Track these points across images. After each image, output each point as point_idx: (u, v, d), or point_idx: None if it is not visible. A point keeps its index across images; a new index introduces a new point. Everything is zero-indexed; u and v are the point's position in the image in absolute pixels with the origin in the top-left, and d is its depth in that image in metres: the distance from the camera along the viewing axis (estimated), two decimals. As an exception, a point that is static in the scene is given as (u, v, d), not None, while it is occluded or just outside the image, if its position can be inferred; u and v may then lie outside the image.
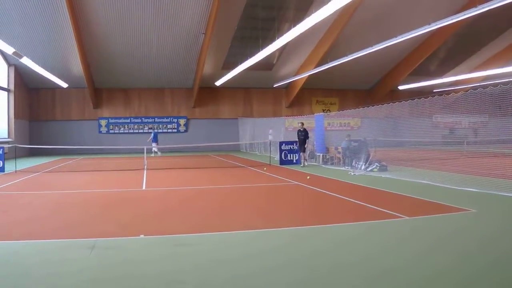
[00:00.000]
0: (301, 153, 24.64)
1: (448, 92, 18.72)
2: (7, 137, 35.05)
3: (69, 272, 6.42)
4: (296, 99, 44.55)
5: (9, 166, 23.02)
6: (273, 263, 6.74)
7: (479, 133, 30.72)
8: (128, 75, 38.95)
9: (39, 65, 27.97)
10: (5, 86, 35.06)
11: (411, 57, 39.88)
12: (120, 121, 42.26)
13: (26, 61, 25.33)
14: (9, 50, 22.49)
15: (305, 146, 24.36)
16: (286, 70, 40.70)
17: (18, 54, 23.29)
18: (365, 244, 7.86)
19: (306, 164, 24.32)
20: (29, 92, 39.64)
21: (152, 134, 37.03)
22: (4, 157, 22.49)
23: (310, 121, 27.12)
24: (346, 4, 16.76)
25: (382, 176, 18.50)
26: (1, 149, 22.46)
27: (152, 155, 35.57)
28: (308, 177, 18.45)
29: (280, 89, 44.11)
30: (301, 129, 24.32)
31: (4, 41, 21.96)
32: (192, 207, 12.10)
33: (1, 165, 22.01)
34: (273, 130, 34.48)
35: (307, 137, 24.27)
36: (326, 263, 6.80)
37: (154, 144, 35.85)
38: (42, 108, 40.60)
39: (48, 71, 30.22)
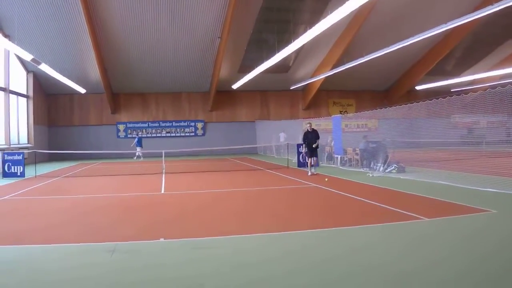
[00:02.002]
0: (308, 159, 21.53)
1: (466, 92, 18.59)
2: (26, 142, 35.35)
3: (90, 276, 6.49)
4: (313, 101, 44.50)
5: (29, 171, 23.24)
6: (292, 267, 6.77)
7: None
8: (145, 80, 39.14)
9: (57, 71, 28.12)
10: (24, 92, 35.37)
11: (428, 57, 39.67)
12: (138, 125, 42.42)
13: (44, 67, 25.50)
14: (28, 57, 22.67)
15: (316, 150, 21.42)
16: (303, 72, 40.67)
17: (36, 61, 23.47)
18: (384, 246, 7.85)
19: (313, 171, 21.13)
20: (47, 98, 39.96)
21: (136, 139, 37.78)
22: (24, 162, 22.74)
23: (327, 123, 27.03)
24: (361, 5, 16.74)
25: (401, 177, 18.43)
26: (21, 155, 22.71)
27: (135, 159, 36.60)
28: (326, 179, 18.43)
29: (297, 91, 44.03)
30: (310, 130, 21.38)
31: (23, 48, 22.17)
32: (211, 211, 12.13)
33: (21, 171, 22.28)
34: (285, 132, 34.52)
35: (318, 139, 21.28)
36: (344, 266, 6.80)
37: (138, 149, 36.27)
38: (60, 114, 40.91)
39: (66, 77, 30.41)
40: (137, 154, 37.18)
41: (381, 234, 8.80)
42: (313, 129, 21.56)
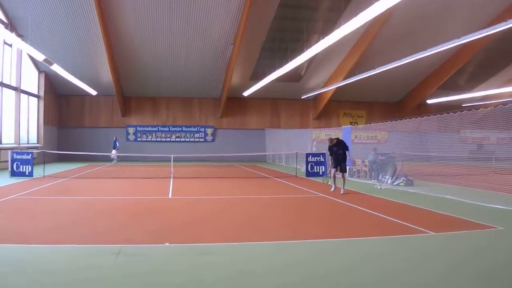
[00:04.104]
0: (343, 174, 17.71)
1: (477, 107, 18.53)
2: (36, 142, 35.50)
3: (93, 278, 6.50)
4: (323, 111, 44.44)
5: (38, 171, 23.30)
6: (297, 277, 6.73)
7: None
8: (157, 84, 39.30)
9: (69, 72, 28.25)
10: (35, 92, 35.56)
11: (440, 71, 39.59)
12: (148, 129, 42.59)
13: (56, 68, 25.60)
14: (40, 57, 22.77)
15: (346, 162, 17.94)
16: (314, 82, 40.67)
17: (48, 61, 23.57)
18: (390, 259, 7.81)
19: (343, 190, 17.37)
20: (58, 99, 40.20)
21: (116, 141, 37.57)
22: (33, 162, 22.82)
23: (337, 134, 26.94)
24: (375, 17, 16.74)
25: (409, 190, 18.35)
26: (30, 154, 22.78)
27: (114, 162, 36.63)
28: (331, 189, 18.06)
29: (308, 100, 44.05)
30: (334, 142, 17.84)
31: (35, 48, 22.27)
32: (218, 217, 12.14)
33: (30, 170, 22.34)
34: (317, 142, 34.42)
35: (347, 149, 17.91)
36: (351, 277, 6.76)
37: (114, 151, 36.12)
38: (71, 115, 41.11)
39: (77, 78, 30.55)
40: (113, 156, 36.91)
41: (387, 246, 8.76)
42: (337, 139, 18.13)
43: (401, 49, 29.47)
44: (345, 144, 18.04)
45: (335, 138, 18.20)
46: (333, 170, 17.83)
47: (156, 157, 35.00)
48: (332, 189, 17.83)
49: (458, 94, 38.88)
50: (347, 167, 20.30)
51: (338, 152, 17.63)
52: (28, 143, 33.63)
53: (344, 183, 17.61)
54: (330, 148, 17.96)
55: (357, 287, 6.36)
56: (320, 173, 24.74)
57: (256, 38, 32.91)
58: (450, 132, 23.23)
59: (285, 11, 30.44)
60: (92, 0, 26.24)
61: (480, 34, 18.57)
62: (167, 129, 42.99)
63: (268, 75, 31.03)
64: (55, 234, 9.41)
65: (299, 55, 24.70)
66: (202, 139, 43.49)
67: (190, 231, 10.07)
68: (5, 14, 27.86)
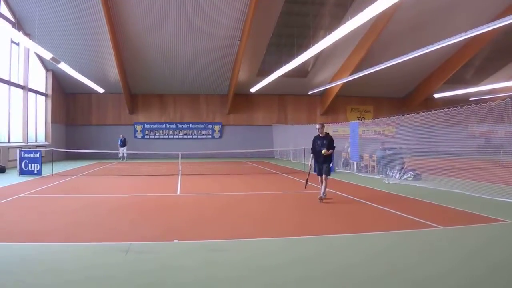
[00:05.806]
0: (324, 176, 14.32)
1: (484, 101, 18.47)
2: (44, 140, 35.60)
3: (103, 276, 6.55)
4: (330, 107, 44.31)
5: (46, 170, 23.36)
6: (308, 273, 6.75)
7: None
8: (164, 81, 39.30)
9: (76, 71, 28.22)
10: (43, 91, 35.67)
11: (447, 65, 39.42)
12: (155, 126, 42.58)
13: (63, 66, 25.57)
14: (47, 55, 22.78)
15: (330, 164, 14.68)
16: (321, 77, 40.58)
17: (56, 60, 23.58)
18: (398, 254, 7.82)
19: (322, 194, 14.29)
20: (66, 97, 40.27)
21: (123, 139, 37.71)
22: (42, 160, 22.87)
23: (344, 129, 26.87)
24: (381, 12, 16.69)
25: (417, 185, 18.33)
26: (39, 153, 22.85)
27: (123, 160, 36.86)
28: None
29: (315, 96, 43.89)
30: (321, 135, 14.50)
31: (43, 47, 22.31)
32: (226, 213, 12.14)
33: (38, 169, 22.41)
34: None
35: (332, 148, 14.25)
36: (360, 273, 6.77)
37: (122, 149, 36.21)
38: (78, 113, 41.20)
39: (84, 76, 30.53)
40: (122, 154, 36.96)
41: (395, 241, 8.77)
42: (326, 133, 14.58)
43: (408, 43, 29.35)
44: (332, 142, 14.22)
45: (327, 132, 14.69)
46: (318, 176, 14.71)
47: (164, 154, 35.11)
48: (321, 195, 14.30)
49: (465, 88, 38.71)
50: (354, 163, 20.10)
51: (319, 149, 14.28)
52: (36, 142, 33.75)
53: (325, 186, 14.37)
54: (314, 140, 14.67)
55: (367, 281, 6.37)
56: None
57: (263, 34, 32.89)
58: (458, 126, 23.14)
59: (292, 7, 30.40)
60: (98, -2, 26.35)
61: (487, 27, 18.47)
62: (174, 126, 42.97)
63: (275, 71, 31.02)
64: (64, 232, 9.45)
65: (306, 50, 24.65)
66: (210, 136, 43.46)
67: (199, 227, 10.09)
68: (12, 13, 27.95)
